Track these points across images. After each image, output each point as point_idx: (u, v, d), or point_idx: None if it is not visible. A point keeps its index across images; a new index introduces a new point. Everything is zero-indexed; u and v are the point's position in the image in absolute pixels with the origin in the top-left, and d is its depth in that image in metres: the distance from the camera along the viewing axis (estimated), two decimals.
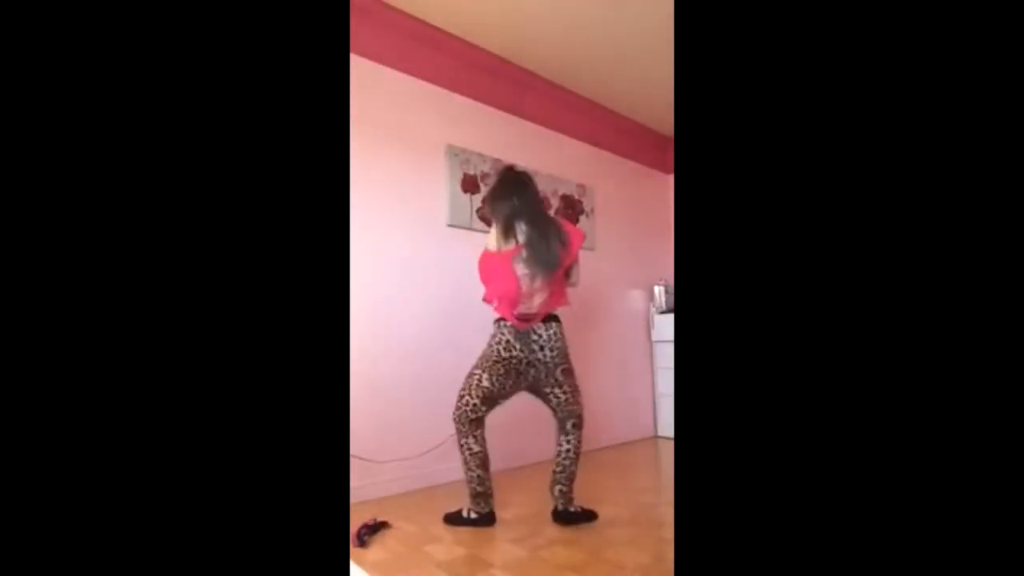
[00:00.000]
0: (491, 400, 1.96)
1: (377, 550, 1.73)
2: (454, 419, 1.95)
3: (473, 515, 1.94)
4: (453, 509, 2.01)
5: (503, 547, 1.69)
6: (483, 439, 1.95)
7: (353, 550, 1.71)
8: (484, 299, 2.00)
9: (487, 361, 1.95)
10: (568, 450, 1.99)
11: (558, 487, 1.97)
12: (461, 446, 1.93)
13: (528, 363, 1.94)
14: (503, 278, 1.91)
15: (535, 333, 1.93)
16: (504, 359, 1.93)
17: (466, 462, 1.92)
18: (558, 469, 1.99)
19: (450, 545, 1.76)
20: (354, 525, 1.80)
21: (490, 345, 1.97)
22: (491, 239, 1.96)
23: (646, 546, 1.72)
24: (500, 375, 1.93)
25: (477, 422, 1.93)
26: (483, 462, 1.93)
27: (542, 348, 1.93)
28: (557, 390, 1.99)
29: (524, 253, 1.89)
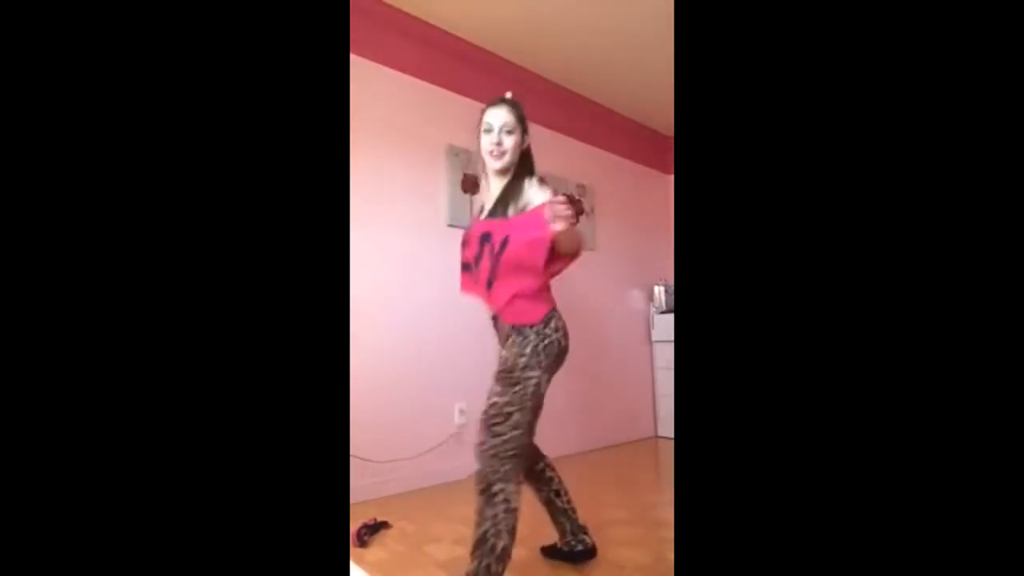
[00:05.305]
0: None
1: (377, 550, 1.73)
2: (488, 458, 1.29)
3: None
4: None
5: None
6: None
7: (353, 550, 1.71)
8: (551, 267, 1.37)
9: (547, 359, 1.33)
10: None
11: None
12: (495, 494, 1.26)
13: None
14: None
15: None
16: (559, 354, 1.38)
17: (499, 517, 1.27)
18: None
19: (450, 545, 1.76)
20: (354, 525, 1.80)
21: (547, 338, 1.34)
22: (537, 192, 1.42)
23: (646, 546, 1.72)
24: (548, 380, 1.37)
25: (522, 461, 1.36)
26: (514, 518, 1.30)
27: None
28: None
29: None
